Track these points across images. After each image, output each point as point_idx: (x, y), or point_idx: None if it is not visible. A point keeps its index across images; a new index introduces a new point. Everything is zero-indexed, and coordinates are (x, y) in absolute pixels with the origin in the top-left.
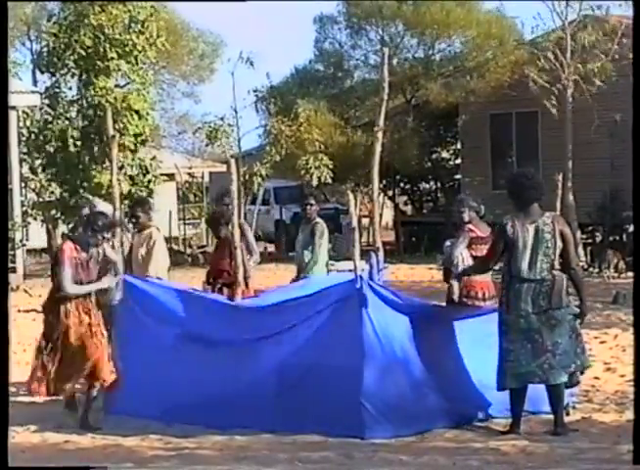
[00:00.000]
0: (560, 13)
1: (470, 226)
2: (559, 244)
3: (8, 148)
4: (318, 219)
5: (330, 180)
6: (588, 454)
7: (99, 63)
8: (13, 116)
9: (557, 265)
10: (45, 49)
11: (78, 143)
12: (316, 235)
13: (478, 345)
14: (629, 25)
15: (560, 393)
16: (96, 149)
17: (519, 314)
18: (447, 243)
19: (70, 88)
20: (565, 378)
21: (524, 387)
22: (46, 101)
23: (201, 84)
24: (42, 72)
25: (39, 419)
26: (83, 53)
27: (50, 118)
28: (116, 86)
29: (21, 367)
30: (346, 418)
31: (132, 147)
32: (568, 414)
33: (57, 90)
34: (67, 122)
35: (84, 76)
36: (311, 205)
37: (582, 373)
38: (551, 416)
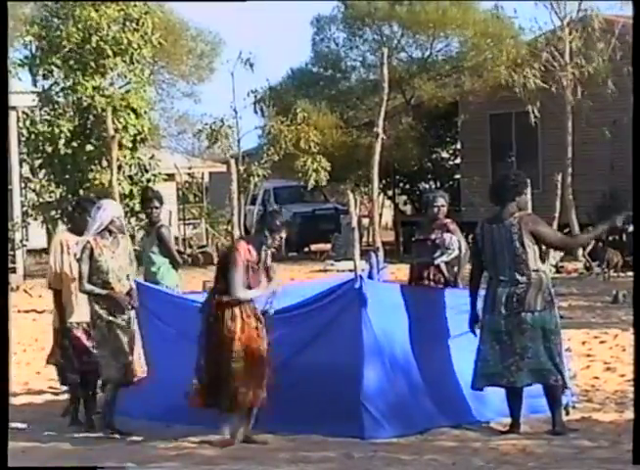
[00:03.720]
0: (557, 13)
1: (448, 220)
2: (528, 244)
3: (8, 148)
4: (164, 222)
5: (325, 183)
6: (588, 454)
7: (91, 62)
8: (13, 116)
9: (535, 266)
10: (34, 50)
11: (75, 143)
12: (164, 239)
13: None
14: (626, 24)
15: (555, 392)
16: (92, 148)
17: (491, 315)
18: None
19: (62, 89)
20: (530, 381)
21: (520, 387)
22: (40, 102)
23: (200, 84)
24: (33, 74)
25: (39, 419)
26: (71, 53)
27: (49, 118)
28: (111, 85)
29: (21, 367)
30: (346, 418)
31: (130, 146)
32: (567, 414)
33: (50, 90)
34: (62, 122)
35: (74, 76)
36: (156, 207)
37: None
38: (550, 416)
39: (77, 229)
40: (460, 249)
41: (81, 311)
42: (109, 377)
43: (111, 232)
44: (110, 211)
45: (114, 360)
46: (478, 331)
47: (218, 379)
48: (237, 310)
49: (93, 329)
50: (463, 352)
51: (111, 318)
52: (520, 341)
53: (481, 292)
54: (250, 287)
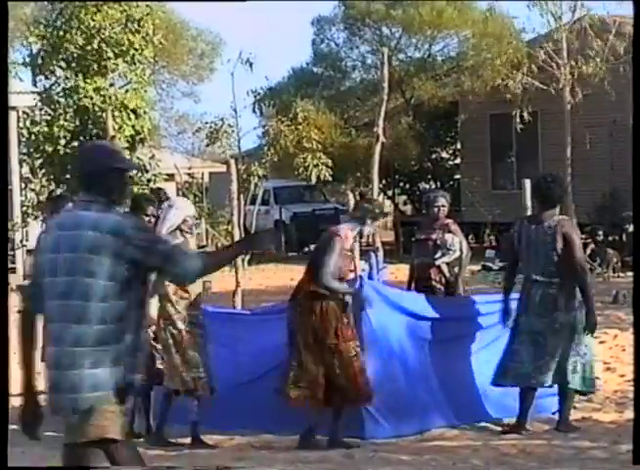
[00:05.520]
0: (554, 13)
1: (450, 221)
2: (559, 245)
3: (8, 148)
4: None
5: (329, 178)
6: (588, 454)
7: (93, 63)
8: (13, 116)
9: (567, 268)
10: (37, 51)
11: (75, 143)
12: None
13: (477, 344)
14: (624, 24)
15: (567, 391)
16: None
17: (527, 316)
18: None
19: (63, 90)
20: (554, 380)
21: (533, 387)
22: (41, 102)
23: (200, 84)
24: (35, 75)
25: None
26: (74, 54)
27: (49, 118)
28: (111, 85)
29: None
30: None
31: (127, 146)
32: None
33: (51, 91)
34: (62, 123)
35: (76, 78)
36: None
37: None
38: (551, 416)
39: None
40: (461, 249)
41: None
42: (176, 386)
43: (182, 232)
44: (183, 210)
45: (187, 371)
46: (509, 327)
47: (325, 377)
48: (327, 303)
49: (166, 333)
50: (464, 353)
51: (184, 326)
52: (552, 341)
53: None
54: (341, 278)
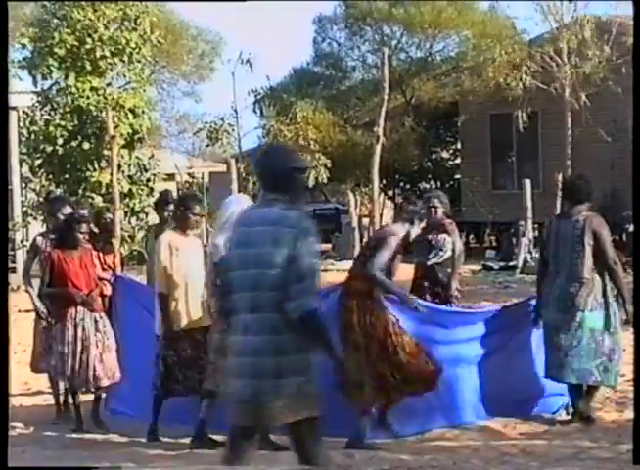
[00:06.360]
0: (555, 13)
1: (448, 221)
2: (588, 242)
3: (8, 148)
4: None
5: (326, 180)
6: (588, 454)
7: (87, 63)
8: (13, 116)
9: (591, 266)
10: (32, 51)
11: (74, 143)
12: None
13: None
14: (624, 24)
15: (592, 391)
16: (88, 147)
17: (546, 310)
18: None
19: (60, 89)
20: (573, 380)
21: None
22: (40, 102)
23: (201, 83)
24: (32, 75)
25: (39, 419)
26: (65, 53)
27: (48, 118)
28: (109, 85)
29: (21, 367)
30: (346, 418)
31: (124, 144)
32: (568, 414)
33: (50, 90)
34: (61, 122)
35: (70, 77)
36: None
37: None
38: (551, 416)
39: (182, 228)
40: (454, 250)
41: (190, 318)
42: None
43: None
44: (242, 205)
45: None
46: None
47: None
48: (376, 301)
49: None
50: (465, 354)
51: None
52: (565, 338)
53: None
54: (389, 276)
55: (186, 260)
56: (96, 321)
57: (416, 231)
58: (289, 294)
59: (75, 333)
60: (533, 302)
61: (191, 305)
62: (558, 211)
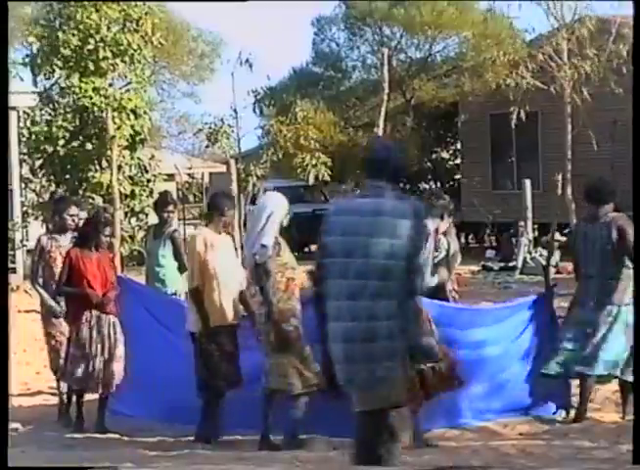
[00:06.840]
0: (555, 13)
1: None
2: (615, 239)
3: (8, 148)
4: (175, 227)
5: (328, 178)
6: (588, 454)
7: (90, 63)
8: (13, 116)
9: (623, 262)
10: (36, 51)
11: (75, 144)
12: (177, 244)
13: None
14: (624, 24)
15: (588, 385)
16: (90, 147)
17: (582, 308)
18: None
19: (62, 89)
20: (601, 371)
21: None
22: (41, 102)
23: (201, 84)
24: (34, 75)
25: (39, 419)
26: (69, 54)
27: (49, 118)
28: (110, 85)
29: (21, 367)
30: (347, 419)
31: (126, 145)
32: (568, 414)
33: (51, 90)
34: (62, 123)
35: (72, 77)
36: (172, 212)
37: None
38: (551, 416)
39: (215, 226)
40: (448, 250)
41: (226, 314)
42: (298, 388)
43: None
44: (280, 203)
45: (307, 369)
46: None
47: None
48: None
49: (280, 331)
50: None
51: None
52: (601, 332)
53: None
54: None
55: (220, 257)
56: (109, 325)
57: (445, 226)
58: (405, 285)
59: (90, 336)
60: (533, 299)
61: (225, 301)
62: (557, 212)
